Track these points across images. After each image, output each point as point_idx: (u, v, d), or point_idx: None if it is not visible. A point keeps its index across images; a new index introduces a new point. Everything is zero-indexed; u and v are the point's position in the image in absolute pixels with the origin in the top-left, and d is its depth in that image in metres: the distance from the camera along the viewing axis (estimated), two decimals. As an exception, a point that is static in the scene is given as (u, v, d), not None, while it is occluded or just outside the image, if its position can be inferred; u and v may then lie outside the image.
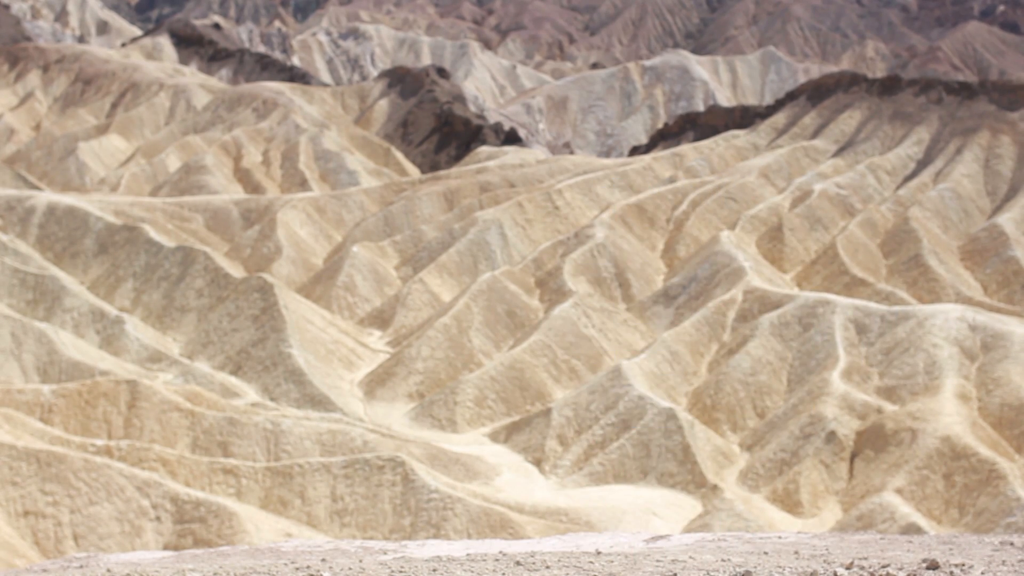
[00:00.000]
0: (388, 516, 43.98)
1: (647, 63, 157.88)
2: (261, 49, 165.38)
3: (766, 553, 10.93)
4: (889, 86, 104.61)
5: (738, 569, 9.44)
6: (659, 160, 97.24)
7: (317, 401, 57.02)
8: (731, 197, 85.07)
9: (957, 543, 11.96)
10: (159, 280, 68.53)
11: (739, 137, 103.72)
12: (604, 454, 52.01)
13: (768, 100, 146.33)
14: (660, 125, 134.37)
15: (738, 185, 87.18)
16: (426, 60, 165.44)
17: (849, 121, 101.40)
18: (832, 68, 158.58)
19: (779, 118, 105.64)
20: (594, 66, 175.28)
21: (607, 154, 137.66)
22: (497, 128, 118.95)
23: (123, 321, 62.83)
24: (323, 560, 11.16)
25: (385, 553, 12.11)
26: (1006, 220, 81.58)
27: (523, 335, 64.45)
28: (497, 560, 10.57)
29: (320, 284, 73.06)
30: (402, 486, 44.51)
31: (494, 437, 55.99)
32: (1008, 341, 55.81)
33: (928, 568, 9.27)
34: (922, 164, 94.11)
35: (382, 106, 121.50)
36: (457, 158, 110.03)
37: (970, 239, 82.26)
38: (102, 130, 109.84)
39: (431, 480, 44.66)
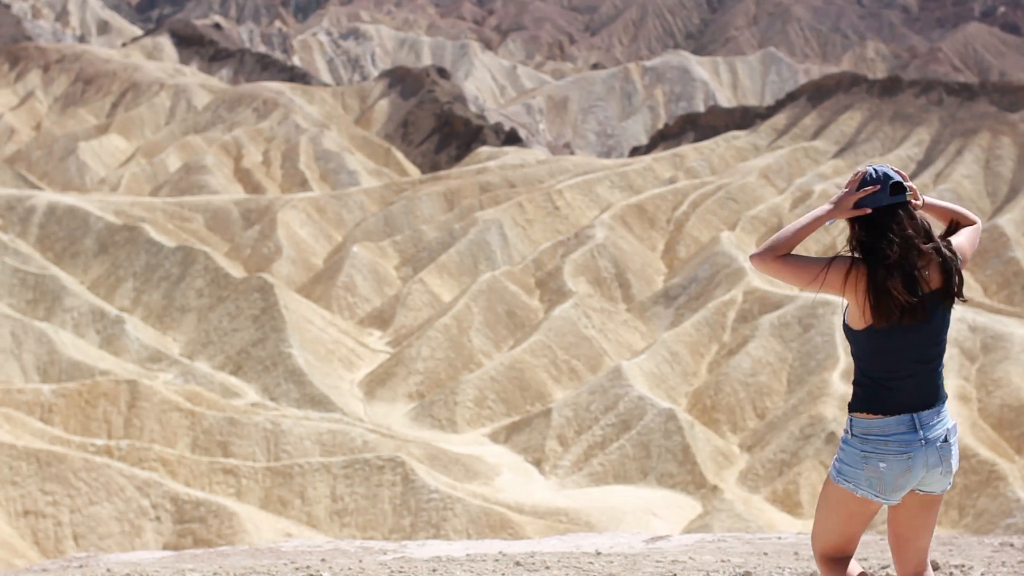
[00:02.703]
0: (388, 516, 43.99)
1: (647, 63, 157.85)
2: (261, 49, 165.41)
3: (766, 554, 10.94)
4: (889, 87, 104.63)
5: (738, 570, 9.44)
6: (659, 161, 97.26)
7: (317, 401, 57.04)
8: (731, 198, 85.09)
9: (957, 544, 11.97)
10: (159, 280, 68.55)
11: (739, 138, 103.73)
12: (604, 454, 52.02)
13: (768, 101, 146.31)
14: (660, 125, 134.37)
15: (738, 186, 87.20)
16: (426, 60, 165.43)
17: (849, 122, 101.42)
18: (832, 69, 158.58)
19: (779, 119, 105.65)
20: (594, 66, 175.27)
21: (607, 154, 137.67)
22: (497, 128, 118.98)
23: (123, 321, 62.85)
24: (323, 560, 11.16)
25: (385, 553, 12.11)
26: (1006, 221, 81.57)
27: (523, 335, 64.46)
28: (497, 560, 10.58)
29: (320, 284, 73.09)
30: (402, 486, 44.52)
31: (494, 437, 56.00)
32: (1008, 342, 55.84)
33: (928, 569, 9.26)
34: (922, 165, 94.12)
35: (382, 106, 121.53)
36: (457, 158, 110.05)
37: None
38: (102, 130, 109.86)
39: (431, 480, 44.67)
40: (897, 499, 5.49)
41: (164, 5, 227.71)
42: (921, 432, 5.41)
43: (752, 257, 5.59)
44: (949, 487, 5.62)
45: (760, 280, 67.48)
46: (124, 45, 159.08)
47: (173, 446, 46.77)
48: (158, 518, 39.97)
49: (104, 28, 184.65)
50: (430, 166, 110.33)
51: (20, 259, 65.84)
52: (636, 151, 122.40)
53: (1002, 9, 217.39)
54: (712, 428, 55.02)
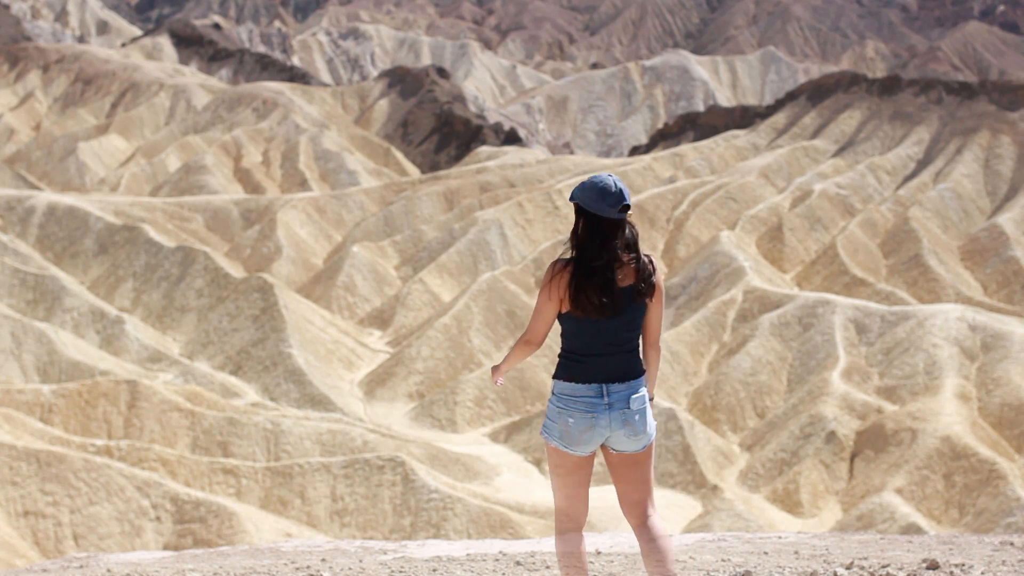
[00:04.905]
0: (388, 516, 43.99)
1: (647, 63, 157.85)
2: (261, 49, 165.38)
3: (766, 553, 10.94)
4: (889, 86, 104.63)
5: (738, 569, 9.44)
6: (659, 160, 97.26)
7: (317, 401, 57.04)
8: (731, 197, 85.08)
9: (957, 543, 11.97)
10: (159, 280, 68.54)
11: (739, 137, 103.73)
12: (604, 454, 51.98)
13: (768, 100, 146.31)
14: (660, 125, 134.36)
15: (738, 185, 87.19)
16: (426, 60, 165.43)
17: (849, 121, 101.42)
18: (832, 68, 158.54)
19: (779, 118, 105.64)
20: (594, 66, 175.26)
21: (607, 154, 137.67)
22: (497, 128, 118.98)
23: (123, 321, 62.84)
24: (323, 560, 11.16)
25: (385, 553, 12.11)
26: (1006, 220, 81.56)
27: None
28: (497, 560, 10.58)
29: (320, 284, 73.09)
30: (402, 486, 44.52)
31: (494, 437, 56.00)
32: (1008, 341, 55.83)
33: (928, 568, 9.27)
34: (922, 164, 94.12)
35: (382, 106, 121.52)
36: (457, 158, 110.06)
37: (970, 239, 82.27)
38: (102, 130, 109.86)
39: (431, 480, 44.68)
40: (584, 452, 6.44)
41: (164, 5, 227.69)
42: (606, 399, 6.36)
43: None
44: (642, 449, 6.49)
45: (760, 279, 67.51)
46: (124, 45, 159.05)
47: (173, 446, 46.77)
48: (158, 518, 39.97)
49: (103, 28, 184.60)
50: (430, 166, 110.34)
51: (20, 259, 65.82)
52: (636, 151, 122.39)
53: (1001, 8, 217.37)
54: (712, 428, 55.02)
